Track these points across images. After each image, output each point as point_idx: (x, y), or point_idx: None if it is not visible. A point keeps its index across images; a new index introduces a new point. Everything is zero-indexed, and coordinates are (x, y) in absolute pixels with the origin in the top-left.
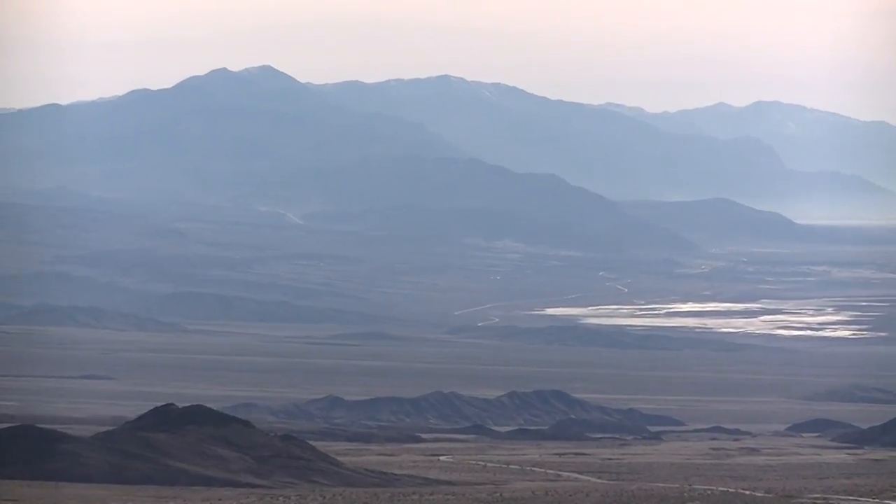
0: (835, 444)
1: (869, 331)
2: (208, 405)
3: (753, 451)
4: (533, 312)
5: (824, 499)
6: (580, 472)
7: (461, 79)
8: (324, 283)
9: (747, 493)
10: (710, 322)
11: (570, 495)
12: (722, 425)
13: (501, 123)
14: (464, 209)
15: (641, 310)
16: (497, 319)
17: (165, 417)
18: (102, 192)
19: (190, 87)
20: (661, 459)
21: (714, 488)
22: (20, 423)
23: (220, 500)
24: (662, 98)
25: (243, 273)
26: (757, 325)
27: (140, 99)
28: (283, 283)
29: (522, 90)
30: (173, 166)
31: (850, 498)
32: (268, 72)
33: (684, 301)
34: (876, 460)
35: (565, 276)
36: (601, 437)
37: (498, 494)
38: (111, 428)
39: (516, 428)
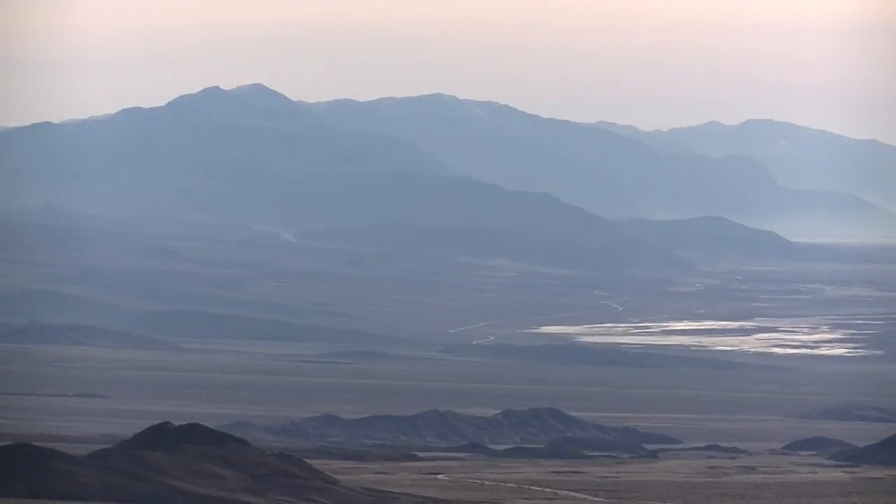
0: (831, 462)
1: (864, 349)
2: (203, 424)
3: (750, 469)
4: (528, 331)
5: None
6: (577, 491)
7: (453, 97)
8: (316, 302)
9: None
10: (704, 340)
11: None
12: (718, 443)
13: (493, 142)
14: (456, 227)
15: (636, 328)
16: (492, 338)
17: (161, 436)
18: (94, 209)
19: (182, 106)
20: (658, 478)
21: None
22: (15, 441)
23: None
24: (655, 116)
25: (235, 291)
26: (752, 343)
27: (132, 117)
28: (275, 301)
29: (514, 108)
30: (165, 184)
31: None
32: (260, 90)
33: (679, 319)
34: (873, 478)
35: (559, 294)
36: (598, 456)
37: None
38: (106, 446)
39: (513, 446)
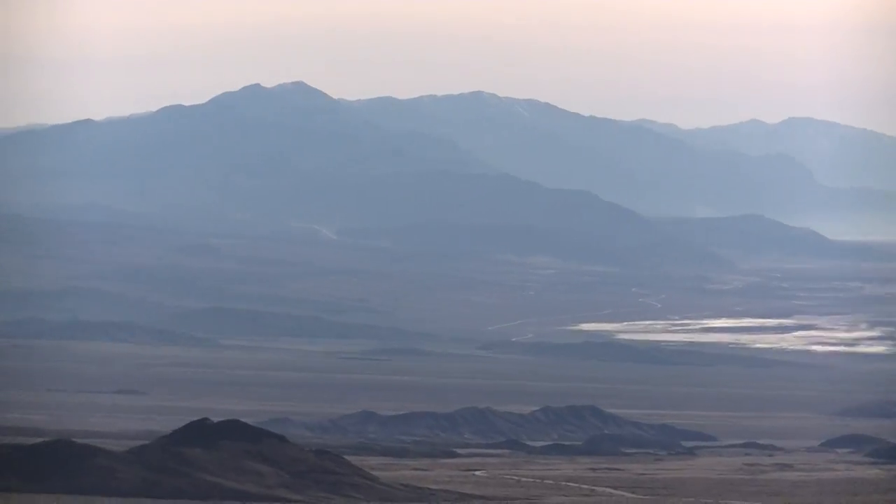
0: (868, 459)
1: None
2: (243, 420)
3: (787, 466)
4: (566, 328)
5: None
6: (614, 487)
7: (493, 95)
8: (356, 299)
9: None
10: (743, 338)
11: None
12: (755, 441)
13: (534, 139)
14: (496, 225)
15: (675, 325)
16: (531, 335)
17: (200, 432)
18: (135, 207)
19: (223, 103)
20: (695, 475)
21: None
22: (55, 437)
23: None
24: (695, 114)
25: (275, 288)
26: (790, 341)
27: (173, 114)
28: (316, 299)
29: (555, 106)
30: (206, 182)
31: None
32: (301, 88)
33: (717, 317)
34: None
35: (598, 291)
36: (635, 453)
37: None
38: (145, 442)
39: (550, 443)
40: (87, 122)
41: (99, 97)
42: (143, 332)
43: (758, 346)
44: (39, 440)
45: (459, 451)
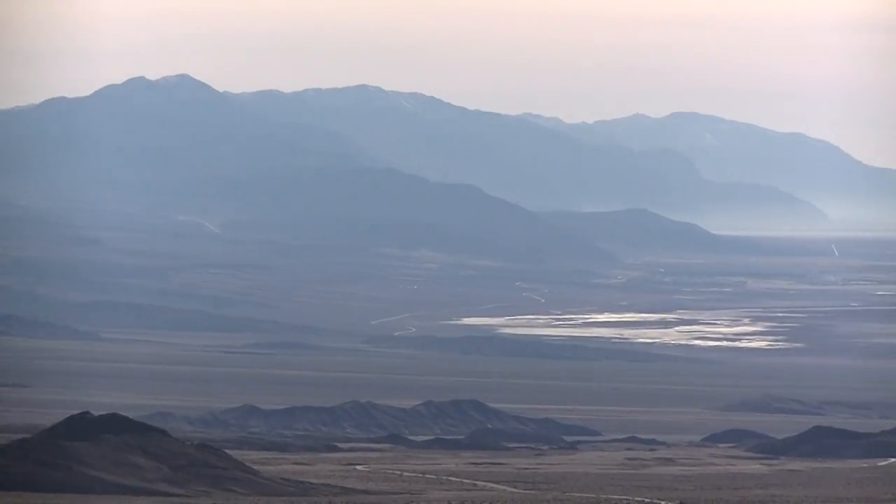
0: (750, 454)
1: (785, 341)
2: (124, 414)
3: (669, 461)
4: (450, 322)
5: None
6: (496, 482)
7: (379, 88)
8: (241, 293)
9: (662, 502)
10: (626, 332)
11: None
12: (637, 435)
13: (419, 133)
14: (381, 219)
15: (558, 320)
16: (414, 329)
17: (81, 426)
18: (20, 200)
19: (107, 96)
20: (577, 469)
21: (629, 498)
22: None
23: None
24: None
25: (160, 281)
26: (673, 336)
27: (57, 107)
28: (200, 293)
29: (440, 100)
30: (90, 174)
31: None
32: (185, 80)
33: (601, 311)
34: (791, 471)
35: (482, 285)
36: (517, 447)
37: None
38: (26, 436)
39: (432, 437)
40: None
41: None
42: (26, 325)
43: (640, 340)
44: None
45: (341, 445)
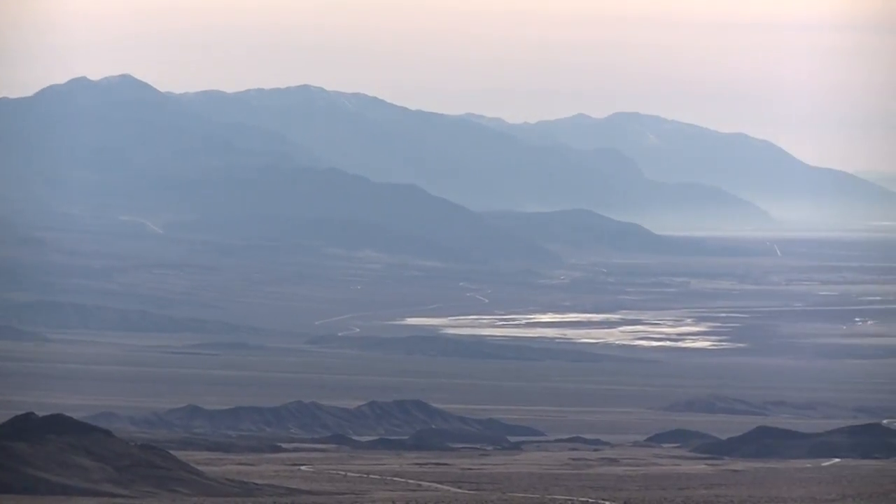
0: (694, 454)
1: (728, 342)
2: (68, 415)
3: (613, 461)
4: (393, 322)
5: None
6: (440, 482)
7: (321, 88)
8: (184, 293)
9: (607, 503)
10: (569, 332)
11: None
12: (581, 435)
13: (362, 133)
14: (324, 219)
15: (501, 320)
16: (358, 329)
17: (25, 427)
18: None
19: (49, 96)
20: (521, 469)
21: (574, 498)
22: None
23: None
24: (522, 109)
25: (103, 282)
26: (616, 336)
27: None
28: (144, 293)
29: (382, 100)
30: (33, 175)
31: None
32: (128, 81)
33: (544, 311)
34: (735, 471)
35: (426, 286)
36: (461, 448)
37: None
38: None
39: (377, 438)
40: None
41: None
42: None
43: (584, 340)
44: None
45: (285, 445)
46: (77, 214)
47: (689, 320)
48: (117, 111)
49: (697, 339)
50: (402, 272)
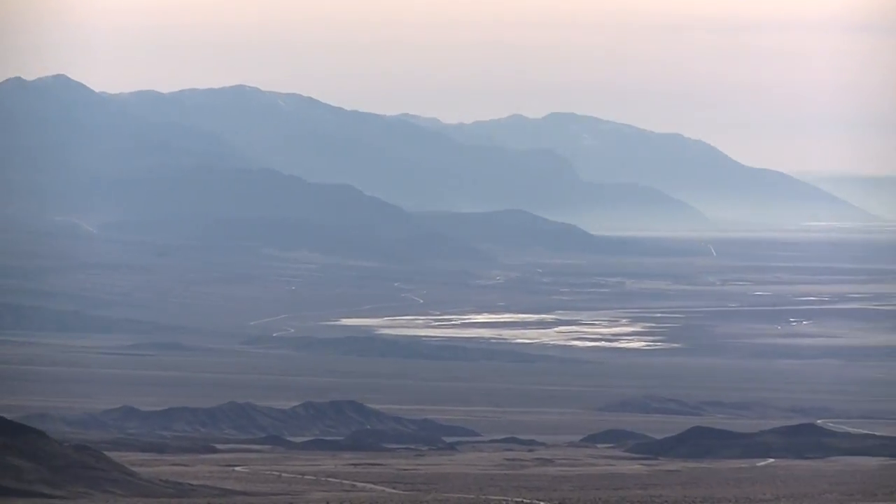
0: (629, 454)
1: (663, 342)
2: (2, 415)
3: (548, 461)
4: (328, 323)
5: None
6: (375, 483)
7: (256, 89)
8: (118, 293)
9: (542, 503)
10: (504, 333)
11: None
12: (517, 436)
13: (296, 133)
14: (259, 219)
15: (436, 320)
16: (292, 330)
17: None
18: None
19: None
20: (456, 470)
21: (509, 499)
22: None
23: None
24: (458, 109)
25: (36, 282)
26: (551, 336)
27: None
28: (77, 293)
29: (317, 100)
30: None
31: None
32: (62, 81)
33: (479, 312)
34: (670, 471)
35: (361, 286)
36: (396, 448)
37: None
38: None
39: (312, 438)
40: None
41: None
42: None
43: (519, 341)
44: None
45: (220, 446)
46: (11, 214)
47: (624, 320)
48: (52, 111)
49: (633, 340)
50: (337, 272)
